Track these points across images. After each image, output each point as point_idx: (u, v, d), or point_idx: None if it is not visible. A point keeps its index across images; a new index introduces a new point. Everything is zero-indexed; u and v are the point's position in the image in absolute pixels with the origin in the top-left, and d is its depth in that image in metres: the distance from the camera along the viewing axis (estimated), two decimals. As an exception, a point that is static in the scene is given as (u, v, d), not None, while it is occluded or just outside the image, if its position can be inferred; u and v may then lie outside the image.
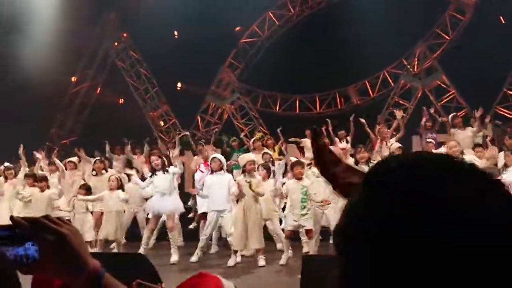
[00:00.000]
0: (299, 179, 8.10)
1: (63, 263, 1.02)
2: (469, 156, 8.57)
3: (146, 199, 9.54)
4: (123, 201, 8.74)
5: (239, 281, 7.10)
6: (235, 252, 8.11)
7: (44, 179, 9.35)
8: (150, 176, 8.68)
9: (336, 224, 0.70)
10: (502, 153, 9.24)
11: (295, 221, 8.02)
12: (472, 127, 10.57)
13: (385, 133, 10.54)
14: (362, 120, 11.14)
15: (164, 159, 9.03)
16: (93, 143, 15.09)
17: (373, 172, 0.70)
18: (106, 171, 10.22)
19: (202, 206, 9.22)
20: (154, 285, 1.26)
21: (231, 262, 8.05)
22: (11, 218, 1.03)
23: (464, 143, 9.68)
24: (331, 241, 8.33)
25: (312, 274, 3.54)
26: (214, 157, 8.67)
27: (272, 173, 9.14)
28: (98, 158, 10.98)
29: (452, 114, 11.14)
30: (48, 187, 9.27)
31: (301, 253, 8.33)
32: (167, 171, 8.65)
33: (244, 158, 8.50)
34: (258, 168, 8.78)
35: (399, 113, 11.49)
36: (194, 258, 8.32)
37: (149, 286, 1.27)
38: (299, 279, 6.69)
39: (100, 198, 8.80)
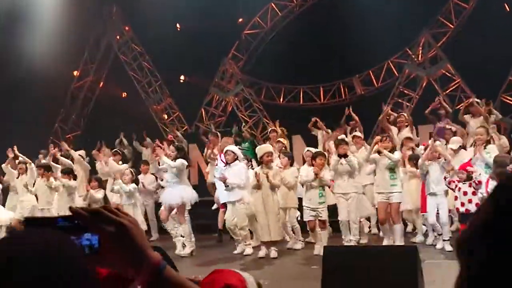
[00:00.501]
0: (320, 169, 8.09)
1: (124, 254, 1.00)
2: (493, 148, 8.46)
3: (156, 191, 9.60)
4: (133, 193, 8.86)
5: (256, 273, 7.11)
6: (263, 243, 8.08)
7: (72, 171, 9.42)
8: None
9: (463, 235, 0.74)
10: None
11: (313, 210, 8.01)
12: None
13: (403, 121, 10.53)
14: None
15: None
16: (97, 137, 15.11)
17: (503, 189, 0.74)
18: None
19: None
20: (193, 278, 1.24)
21: (261, 253, 8.04)
22: (71, 208, 1.00)
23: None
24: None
25: (333, 264, 3.53)
26: (227, 150, 8.64)
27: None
28: (116, 149, 11.21)
29: (471, 100, 11.00)
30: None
31: (312, 245, 8.39)
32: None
33: (261, 149, 8.46)
34: (279, 156, 8.83)
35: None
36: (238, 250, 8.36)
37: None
38: (313, 269, 6.72)
39: (117, 191, 8.97)
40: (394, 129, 10.48)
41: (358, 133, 10.29)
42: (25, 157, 10.44)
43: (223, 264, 7.54)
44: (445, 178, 7.82)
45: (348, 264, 3.53)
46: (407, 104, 15.27)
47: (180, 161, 8.76)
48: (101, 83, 19.69)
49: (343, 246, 7.02)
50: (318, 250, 7.77)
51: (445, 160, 7.89)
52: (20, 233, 0.94)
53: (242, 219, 8.27)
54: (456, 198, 7.73)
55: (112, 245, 0.99)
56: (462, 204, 7.61)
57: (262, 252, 7.98)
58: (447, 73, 15.51)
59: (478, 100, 11.19)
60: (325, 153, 8.91)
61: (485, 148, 8.22)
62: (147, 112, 18.75)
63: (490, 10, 15.11)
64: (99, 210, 1.01)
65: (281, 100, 17.98)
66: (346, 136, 10.38)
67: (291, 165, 8.89)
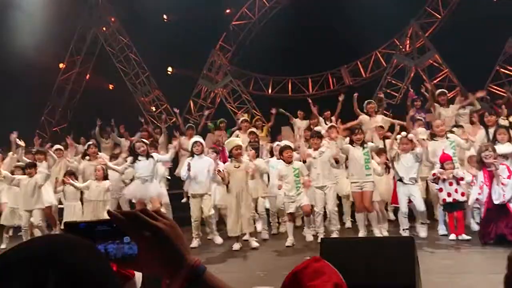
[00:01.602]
0: (289, 162, 8.15)
1: (161, 258, 0.99)
2: (454, 136, 8.61)
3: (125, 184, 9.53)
4: (107, 190, 8.82)
5: (244, 264, 7.10)
6: (237, 238, 8.10)
7: (33, 165, 9.35)
8: (132, 162, 8.68)
9: None
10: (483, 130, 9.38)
11: (292, 202, 8.10)
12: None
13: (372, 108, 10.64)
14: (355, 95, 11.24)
15: (146, 144, 8.98)
16: (84, 130, 14.98)
17: None
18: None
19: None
20: None
21: (235, 246, 8.05)
22: (108, 212, 0.99)
23: (446, 122, 9.73)
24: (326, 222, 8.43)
25: (331, 256, 3.53)
26: (196, 141, 8.62)
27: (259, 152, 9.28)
28: (91, 142, 10.99)
29: (440, 90, 11.13)
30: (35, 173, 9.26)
31: (301, 235, 8.44)
32: (151, 156, 8.65)
33: (230, 143, 8.41)
34: (246, 148, 8.85)
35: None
36: (193, 244, 8.30)
37: None
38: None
39: (86, 187, 8.90)
40: (365, 117, 10.59)
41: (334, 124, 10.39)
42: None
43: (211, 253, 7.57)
44: (434, 174, 7.86)
45: (346, 255, 3.54)
46: (395, 94, 15.33)
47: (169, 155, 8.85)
48: (88, 75, 19.51)
49: (340, 237, 7.05)
50: (290, 242, 8.05)
51: (420, 149, 7.95)
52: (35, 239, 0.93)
53: (208, 210, 8.36)
54: (441, 190, 7.80)
55: (148, 249, 0.98)
56: (449, 195, 7.70)
57: (237, 245, 8.00)
58: (434, 63, 15.59)
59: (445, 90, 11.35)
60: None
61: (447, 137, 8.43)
62: (135, 104, 18.62)
63: (478, 0, 15.20)
64: (137, 214, 0.99)
65: (270, 91, 17.97)
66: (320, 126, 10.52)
67: (257, 156, 8.92)
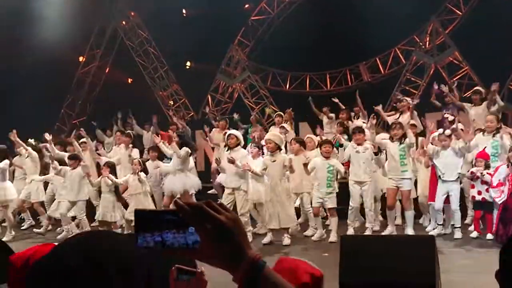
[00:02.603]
0: (327, 157, 8.14)
1: (221, 252, 1.02)
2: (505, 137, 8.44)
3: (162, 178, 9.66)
4: (144, 182, 8.89)
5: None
6: (270, 230, 8.11)
7: (76, 157, 9.44)
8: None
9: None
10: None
11: (320, 198, 8.10)
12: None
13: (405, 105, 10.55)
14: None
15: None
16: (103, 123, 15.15)
17: None
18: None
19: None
20: (194, 269, 1.26)
21: (266, 240, 8.08)
22: (175, 202, 1.03)
23: (481, 121, 9.61)
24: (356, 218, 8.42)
25: (351, 253, 3.56)
26: (230, 134, 8.62)
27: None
28: (121, 129, 11.27)
29: (475, 89, 10.99)
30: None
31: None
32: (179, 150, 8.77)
33: (275, 135, 8.41)
34: (291, 142, 8.84)
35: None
36: None
37: (189, 271, 1.26)
38: (324, 256, 6.77)
39: (125, 182, 8.99)
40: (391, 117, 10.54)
41: (360, 122, 10.32)
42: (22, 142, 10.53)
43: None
44: (472, 172, 7.74)
45: (366, 253, 3.57)
46: (414, 91, 15.23)
47: (185, 149, 8.83)
48: (107, 69, 19.68)
49: (361, 235, 7.08)
50: (317, 236, 8.08)
51: (463, 144, 7.84)
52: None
53: (242, 205, 8.29)
54: (473, 186, 7.76)
55: (210, 241, 1.01)
56: (479, 193, 7.66)
57: (267, 239, 8.02)
58: (454, 61, 15.44)
59: (480, 88, 11.17)
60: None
61: (494, 135, 8.25)
62: (153, 98, 18.74)
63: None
64: (201, 206, 1.02)
65: (287, 86, 17.95)
66: (352, 121, 10.47)
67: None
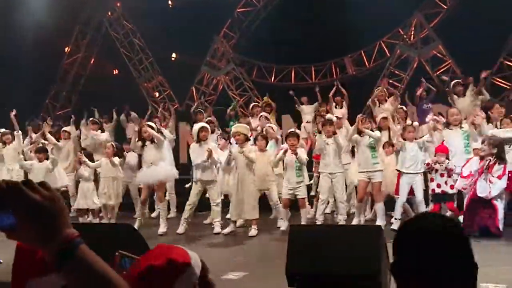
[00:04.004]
0: (294, 151, 8.16)
1: (35, 230, 1.00)
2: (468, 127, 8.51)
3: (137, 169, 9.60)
4: (117, 166, 8.92)
5: (230, 250, 7.16)
6: (233, 221, 8.15)
7: (44, 150, 9.49)
8: (142, 147, 8.70)
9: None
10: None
11: (290, 189, 8.12)
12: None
13: (383, 95, 10.61)
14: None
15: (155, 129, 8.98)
16: (88, 114, 15.04)
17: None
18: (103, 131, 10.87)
19: None
20: (135, 256, 1.25)
21: (227, 230, 8.09)
22: None
23: (465, 111, 9.64)
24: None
25: (298, 243, 3.56)
26: (203, 126, 8.59)
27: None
28: (92, 119, 11.27)
29: (454, 81, 11.05)
30: (47, 159, 9.38)
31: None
32: (154, 141, 8.66)
33: (233, 130, 8.43)
34: (256, 137, 8.84)
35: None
36: (180, 230, 8.32)
37: (131, 257, 1.25)
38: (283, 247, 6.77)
39: (98, 165, 9.04)
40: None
41: (338, 114, 10.36)
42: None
43: (193, 243, 7.64)
44: (427, 164, 7.83)
45: (313, 242, 3.56)
46: (397, 84, 15.25)
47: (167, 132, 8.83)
48: (92, 60, 19.57)
49: (308, 224, 7.08)
50: (285, 227, 8.01)
51: (427, 139, 7.95)
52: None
53: (217, 197, 8.32)
54: (432, 179, 7.80)
55: (24, 220, 0.99)
56: (439, 185, 7.70)
57: (228, 229, 8.04)
58: (438, 54, 15.46)
59: (459, 80, 11.23)
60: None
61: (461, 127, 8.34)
62: (138, 89, 18.67)
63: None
64: (15, 185, 1.00)
65: (272, 79, 17.93)
66: (332, 112, 10.47)
67: (266, 146, 8.79)
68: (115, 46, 18.83)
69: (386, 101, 10.68)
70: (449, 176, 7.63)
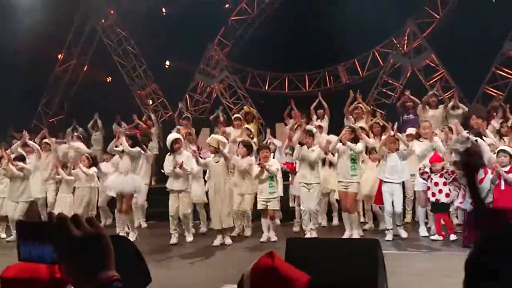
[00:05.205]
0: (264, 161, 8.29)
1: (74, 268, 0.99)
2: (437, 139, 8.62)
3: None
4: (92, 177, 8.96)
5: (222, 262, 7.11)
6: (218, 231, 8.14)
7: (22, 159, 9.61)
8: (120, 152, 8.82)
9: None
10: None
11: (263, 201, 8.25)
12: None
13: (360, 114, 10.67)
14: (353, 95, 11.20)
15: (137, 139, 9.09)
16: (80, 121, 14.96)
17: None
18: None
19: None
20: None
21: (216, 242, 8.08)
22: (49, 213, 1.02)
23: (435, 122, 9.84)
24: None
25: (295, 256, 3.54)
26: (177, 138, 8.60)
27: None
28: (77, 134, 11.36)
29: (431, 92, 11.27)
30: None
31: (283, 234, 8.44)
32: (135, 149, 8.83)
33: (213, 139, 8.43)
34: (238, 145, 8.90)
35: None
36: (172, 240, 8.36)
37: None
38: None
39: (76, 175, 9.06)
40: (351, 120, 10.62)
41: (321, 123, 10.49)
42: None
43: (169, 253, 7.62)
44: (419, 169, 7.94)
45: (310, 256, 3.54)
46: (391, 93, 15.31)
47: (137, 148, 8.83)
48: (85, 67, 19.51)
49: (305, 238, 7.06)
50: (265, 238, 8.16)
51: (405, 149, 8.04)
52: None
53: (186, 207, 8.36)
54: (428, 188, 7.84)
55: (64, 257, 0.99)
56: (433, 195, 7.73)
57: (217, 241, 8.06)
58: (431, 63, 15.54)
59: (437, 92, 11.39)
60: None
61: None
62: (132, 97, 18.62)
63: (476, 1, 15.13)
64: (62, 219, 0.99)
65: (266, 87, 17.95)
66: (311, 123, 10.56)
67: (248, 155, 8.80)
68: (108, 53, 18.79)
69: (362, 118, 10.70)
70: (445, 184, 7.64)
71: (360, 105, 10.90)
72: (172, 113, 17.96)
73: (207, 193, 8.80)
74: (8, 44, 16.66)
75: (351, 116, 10.63)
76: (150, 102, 18.69)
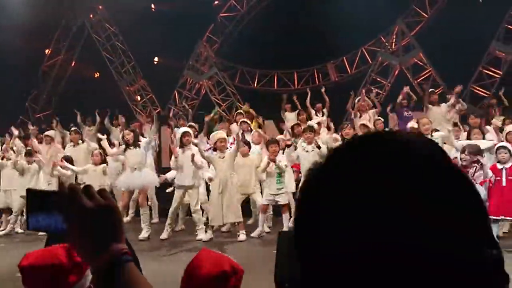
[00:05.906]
0: (274, 157, 8.20)
1: (83, 240, 0.96)
2: (439, 133, 8.65)
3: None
4: (104, 174, 8.92)
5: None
6: (212, 227, 8.11)
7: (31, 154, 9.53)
8: (124, 150, 8.65)
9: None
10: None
11: (271, 195, 8.12)
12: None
13: (364, 106, 10.71)
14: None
15: (137, 132, 8.97)
16: (68, 117, 14.85)
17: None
18: (82, 142, 10.61)
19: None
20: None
21: (206, 236, 8.05)
22: (60, 184, 1.00)
23: (438, 120, 9.83)
24: None
25: (287, 249, 3.56)
26: (187, 131, 8.55)
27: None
28: (74, 129, 11.08)
29: (430, 90, 11.27)
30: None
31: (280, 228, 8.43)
32: (139, 146, 8.61)
33: (214, 136, 8.38)
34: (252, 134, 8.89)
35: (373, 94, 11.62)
36: (163, 235, 8.28)
37: None
38: (274, 253, 6.78)
39: (85, 171, 8.96)
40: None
41: (319, 118, 10.60)
42: None
43: (176, 248, 7.61)
44: None
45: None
46: (378, 91, 15.38)
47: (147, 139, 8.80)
48: (73, 62, 19.38)
49: None
50: (256, 233, 8.13)
51: None
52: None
53: (197, 203, 8.29)
54: None
55: (73, 228, 0.96)
56: None
57: (207, 236, 7.99)
58: (419, 62, 15.66)
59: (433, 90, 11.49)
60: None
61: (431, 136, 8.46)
62: (120, 92, 18.53)
63: (464, 1, 15.27)
64: (73, 190, 0.97)
65: (255, 84, 17.96)
66: (311, 118, 10.56)
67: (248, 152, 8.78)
68: (96, 49, 18.67)
69: (366, 111, 10.76)
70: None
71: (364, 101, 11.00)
72: (160, 109, 17.91)
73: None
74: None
75: (358, 113, 10.68)
76: (139, 98, 18.62)
